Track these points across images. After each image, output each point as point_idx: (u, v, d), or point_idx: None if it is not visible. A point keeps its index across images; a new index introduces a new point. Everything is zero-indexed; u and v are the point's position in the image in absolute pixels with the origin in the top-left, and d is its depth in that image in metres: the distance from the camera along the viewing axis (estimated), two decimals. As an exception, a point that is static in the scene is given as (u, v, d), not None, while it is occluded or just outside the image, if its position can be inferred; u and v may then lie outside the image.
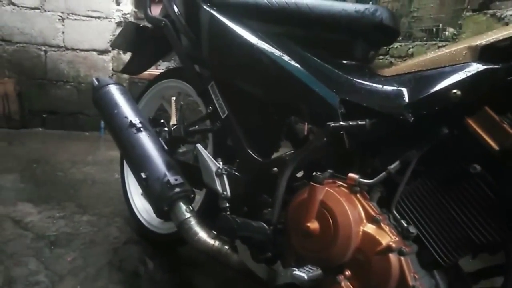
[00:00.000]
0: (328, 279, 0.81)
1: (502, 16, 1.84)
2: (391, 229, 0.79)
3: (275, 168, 0.96)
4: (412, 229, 0.78)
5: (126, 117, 1.24)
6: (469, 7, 2.13)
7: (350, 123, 0.81)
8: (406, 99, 0.79)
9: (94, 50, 3.27)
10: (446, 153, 0.75)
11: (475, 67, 0.71)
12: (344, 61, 0.99)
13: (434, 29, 2.50)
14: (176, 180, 1.11)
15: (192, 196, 1.14)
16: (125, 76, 3.29)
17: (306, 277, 0.75)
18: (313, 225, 0.82)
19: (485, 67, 0.70)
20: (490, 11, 1.92)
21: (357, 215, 0.80)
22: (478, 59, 0.72)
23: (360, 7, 0.93)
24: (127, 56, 3.05)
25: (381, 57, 2.81)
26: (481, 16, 1.96)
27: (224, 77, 1.12)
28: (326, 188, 0.82)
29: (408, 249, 0.76)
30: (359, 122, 0.80)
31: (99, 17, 3.22)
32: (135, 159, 1.18)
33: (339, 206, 0.80)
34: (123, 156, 1.23)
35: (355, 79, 0.89)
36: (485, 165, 0.70)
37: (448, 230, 0.74)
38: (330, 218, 0.80)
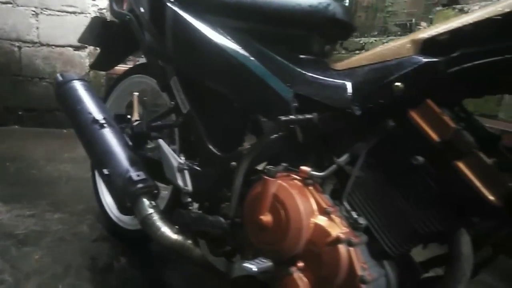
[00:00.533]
0: (281, 270, 0.82)
1: (469, 10, 1.87)
2: (342, 221, 0.80)
3: (234, 163, 0.97)
4: (362, 220, 0.79)
5: (90, 113, 1.23)
6: (439, 1, 2.16)
7: (299, 116, 0.82)
8: (353, 92, 0.80)
9: (70, 45, 3.22)
10: (393, 145, 0.77)
11: (417, 60, 0.72)
12: (301, 56, 1.00)
13: (408, 24, 2.53)
14: (138, 175, 1.11)
15: (156, 191, 1.14)
16: (103, 72, 3.25)
17: (255, 269, 0.76)
18: (266, 218, 0.83)
19: (425, 60, 0.71)
20: (458, 6, 1.96)
21: (309, 208, 0.81)
22: (420, 52, 0.73)
23: (314, 1, 0.94)
24: (103, 52, 3.00)
25: (357, 51, 2.84)
26: (450, 11, 1.99)
27: (185, 72, 1.12)
28: (279, 181, 0.84)
29: (358, 239, 0.78)
30: (307, 116, 0.81)
31: (74, 12, 3.16)
32: (98, 155, 1.17)
33: (291, 199, 0.81)
34: (87, 152, 1.22)
35: (308, 73, 0.90)
36: (428, 157, 0.72)
37: (395, 221, 0.76)
38: (282, 211, 0.82)
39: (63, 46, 3.20)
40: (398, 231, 0.75)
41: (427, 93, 0.72)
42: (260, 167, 0.99)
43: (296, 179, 0.86)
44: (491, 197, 0.64)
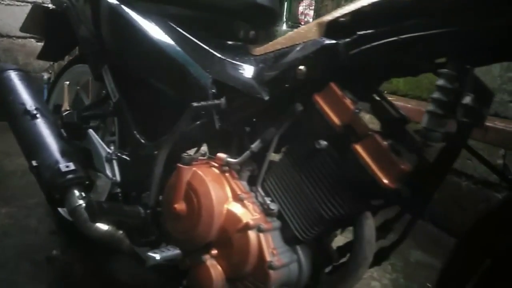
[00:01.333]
0: (195, 258, 0.81)
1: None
2: (255, 207, 0.80)
3: (156, 151, 0.95)
4: (273, 206, 0.79)
5: (22, 104, 1.19)
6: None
7: (209, 102, 0.80)
8: (262, 78, 0.79)
9: (32, 37, 3.13)
10: (301, 130, 0.76)
11: (318, 43, 0.71)
12: (225, 41, 0.99)
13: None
14: (67, 167, 1.08)
15: (88, 182, 1.12)
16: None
17: (158, 258, 0.75)
18: (180, 206, 0.82)
19: (326, 42, 0.71)
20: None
21: (223, 194, 0.81)
22: (324, 35, 0.72)
23: (236, -14, 0.92)
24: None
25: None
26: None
27: (114, 59, 1.09)
28: (194, 169, 0.82)
29: (268, 225, 0.77)
30: (216, 102, 0.80)
31: (34, 2, 3.08)
32: (28, 147, 1.14)
33: (203, 186, 0.80)
34: (18, 145, 1.19)
35: (227, 60, 0.89)
36: (330, 141, 0.72)
37: (304, 206, 0.75)
38: (194, 199, 0.81)
39: (24, 38, 3.12)
40: (306, 216, 0.75)
41: (330, 76, 0.72)
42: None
43: (214, 166, 0.85)
44: (385, 180, 0.64)
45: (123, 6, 1.05)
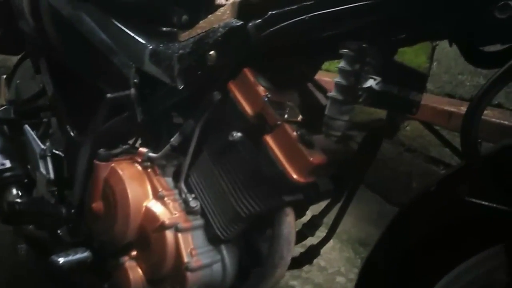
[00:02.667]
0: (114, 261, 0.76)
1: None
2: (176, 205, 0.74)
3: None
4: (194, 203, 0.73)
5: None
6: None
7: (121, 93, 0.75)
8: (178, 65, 0.73)
9: None
10: (218, 121, 0.71)
11: (228, 25, 0.65)
12: (161, 28, 0.92)
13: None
14: (3, 165, 1.03)
15: (27, 180, 1.07)
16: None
17: (61, 261, 0.70)
18: (98, 205, 0.77)
19: (235, 24, 0.64)
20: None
21: (141, 192, 0.75)
22: (237, 16, 0.66)
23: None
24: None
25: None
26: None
27: (47, 51, 1.04)
28: (112, 165, 0.77)
29: (187, 224, 0.72)
30: (126, 92, 0.74)
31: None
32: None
33: (120, 184, 0.75)
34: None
35: (153, 47, 0.83)
36: (246, 132, 0.66)
37: (222, 203, 0.70)
38: (111, 197, 0.75)
39: None
40: (225, 213, 0.70)
41: (243, 61, 0.66)
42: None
43: (136, 161, 0.80)
44: (294, 175, 0.58)
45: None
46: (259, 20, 0.62)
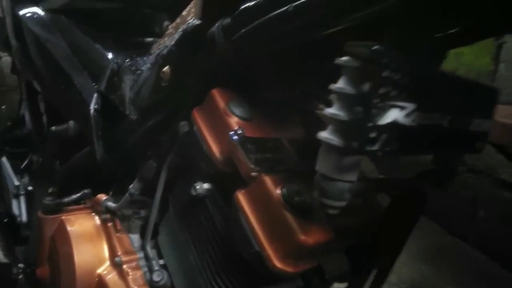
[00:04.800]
0: None
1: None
2: (137, 276, 0.54)
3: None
4: (158, 276, 0.53)
5: None
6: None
7: (58, 127, 0.57)
8: (132, 88, 0.54)
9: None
10: (184, 163, 0.50)
11: (187, 29, 0.45)
12: (141, 38, 0.75)
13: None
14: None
15: (6, 220, 0.94)
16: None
17: None
18: (43, 270, 0.60)
19: (194, 25, 0.44)
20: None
21: (95, 255, 0.57)
22: (200, 15, 0.45)
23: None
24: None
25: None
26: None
27: (25, 75, 0.90)
28: (61, 218, 0.59)
29: (148, 306, 0.52)
30: (62, 127, 0.56)
31: None
32: None
33: (65, 243, 0.56)
34: None
35: (118, 63, 0.65)
36: (215, 183, 0.45)
37: (191, 278, 0.49)
38: (56, 261, 0.57)
39: None
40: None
41: (210, 79, 0.45)
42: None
43: (97, 212, 0.62)
44: (277, 262, 0.36)
45: (26, 11, 0.85)
46: (228, 19, 0.41)
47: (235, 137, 0.39)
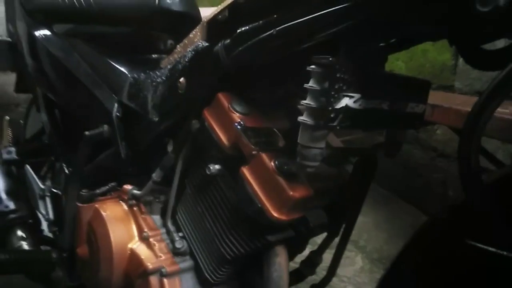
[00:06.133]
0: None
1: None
2: (162, 246, 0.68)
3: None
4: (179, 244, 0.67)
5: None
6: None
7: (99, 130, 0.71)
8: (151, 96, 0.68)
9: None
10: (197, 152, 0.64)
11: (196, 49, 0.59)
12: (148, 55, 0.89)
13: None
14: (7, 207, 1.02)
15: (31, 221, 1.06)
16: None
17: None
18: (82, 250, 0.73)
19: (202, 46, 0.58)
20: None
21: (126, 234, 0.70)
22: (206, 38, 0.60)
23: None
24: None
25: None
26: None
27: (45, 89, 1.03)
28: (95, 206, 0.73)
29: (173, 268, 0.65)
30: (99, 130, 0.70)
31: None
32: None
33: (101, 226, 0.70)
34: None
35: (135, 77, 0.78)
36: (224, 164, 0.59)
37: (208, 243, 0.63)
38: (94, 241, 0.71)
39: None
40: (211, 255, 0.63)
41: (217, 85, 0.59)
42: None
43: (123, 199, 0.75)
44: (273, 212, 0.50)
45: (43, 33, 0.98)
46: (228, 40, 0.56)
47: (239, 127, 0.54)
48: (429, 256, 0.43)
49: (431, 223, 0.43)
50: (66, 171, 0.94)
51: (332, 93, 0.41)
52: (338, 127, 0.42)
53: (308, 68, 0.43)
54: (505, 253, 0.32)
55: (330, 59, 0.41)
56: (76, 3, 0.89)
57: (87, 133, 0.71)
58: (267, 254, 0.58)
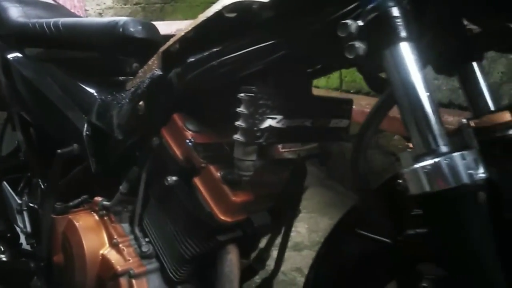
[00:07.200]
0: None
1: None
2: (130, 251, 0.76)
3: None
4: (145, 248, 0.75)
5: None
6: None
7: (70, 148, 0.79)
8: (116, 116, 0.76)
9: None
10: (157, 166, 0.73)
11: (152, 76, 0.68)
12: (115, 78, 0.97)
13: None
14: (-15, 222, 1.08)
15: (10, 235, 1.11)
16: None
17: None
18: (58, 258, 0.80)
19: (157, 73, 0.67)
20: None
21: (97, 241, 0.78)
22: (161, 66, 0.69)
23: (104, 20, 0.90)
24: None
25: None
26: None
27: (16, 110, 1.09)
28: (69, 218, 0.80)
29: (140, 269, 0.74)
30: (69, 148, 0.78)
31: None
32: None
33: (75, 235, 0.77)
34: None
35: (102, 98, 0.87)
36: (180, 176, 0.68)
37: (170, 246, 0.71)
38: (69, 249, 0.78)
39: None
40: (173, 256, 0.71)
41: (172, 107, 0.68)
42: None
43: (95, 211, 0.83)
44: (220, 216, 0.59)
45: (15, 56, 1.05)
46: (179, 69, 0.65)
47: (190, 143, 0.63)
48: (336, 244, 0.52)
49: (342, 220, 0.53)
50: (42, 186, 1.01)
51: (257, 116, 0.51)
52: (264, 143, 0.52)
53: (238, 96, 0.53)
54: (385, 239, 0.42)
55: (253, 89, 0.50)
56: (46, 29, 0.97)
57: (59, 151, 0.79)
58: (219, 252, 0.66)
